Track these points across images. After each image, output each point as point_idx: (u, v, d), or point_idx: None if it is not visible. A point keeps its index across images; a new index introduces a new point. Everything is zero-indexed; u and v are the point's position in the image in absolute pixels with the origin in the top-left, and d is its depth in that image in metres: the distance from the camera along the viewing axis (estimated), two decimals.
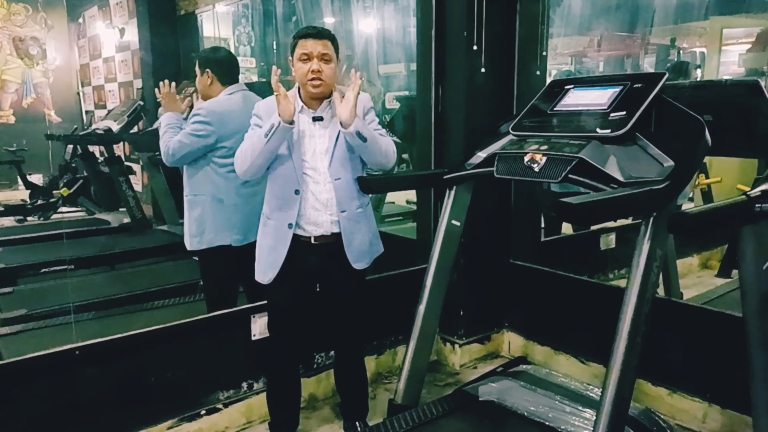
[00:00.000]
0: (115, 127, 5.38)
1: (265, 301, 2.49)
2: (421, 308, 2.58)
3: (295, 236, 2.26)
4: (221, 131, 2.65)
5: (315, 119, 2.23)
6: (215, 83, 2.77)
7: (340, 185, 2.24)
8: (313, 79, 2.15)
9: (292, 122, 2.13)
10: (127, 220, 5.78)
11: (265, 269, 2.31)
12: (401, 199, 5.66)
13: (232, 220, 2.70)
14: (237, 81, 2.84)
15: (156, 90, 2.84)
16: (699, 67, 5.51)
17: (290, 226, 2.24)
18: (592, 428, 1.94)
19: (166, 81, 2.83)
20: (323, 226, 2.26)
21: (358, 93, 2.15)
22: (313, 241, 2.27)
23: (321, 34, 2.17)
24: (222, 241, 2.71)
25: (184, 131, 2.67)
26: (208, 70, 2.77)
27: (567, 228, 4.15)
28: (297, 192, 2.22)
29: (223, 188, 2.70)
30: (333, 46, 2.19)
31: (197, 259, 2.88)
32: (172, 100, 2.82)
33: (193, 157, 2.69)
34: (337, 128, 2.22)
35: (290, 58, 2.22)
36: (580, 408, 2.48)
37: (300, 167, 2.21)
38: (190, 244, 2.77)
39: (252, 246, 2.42)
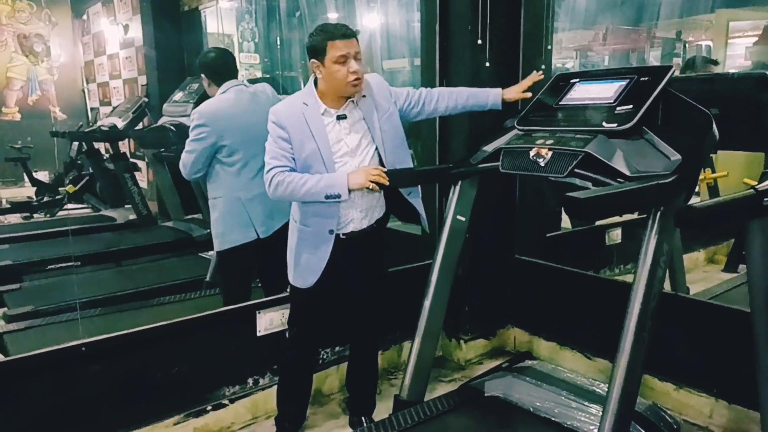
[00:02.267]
0: (120, 123, 5.39)
1: (272, 297, 2.50)
2: (427, 304, 2.58)
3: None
4: (218, 129, 2.65)
5: (339, 117, 2.20)
6: (212, 86, 2.82)
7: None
8: (356, 80, 2.12)
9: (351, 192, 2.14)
10: (132, 216, 5.79)
11: (305, 275, 2.29)
12: None
13: (255, 212, 2.71)
14: (233, 77, 2.83)
15: None
16: (716, 63, 5.27)
17: (331, 232, 2.23)
18: (598, 424, 1.94)
19: None
20: (353, 223, 2.26)
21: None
22: (341, 236, 2.26)
23: (353, 33, 2.14)
24: (247, 237, 2.72)
25: (188, 140, 2.70)
26: (203, 75, 2.83)
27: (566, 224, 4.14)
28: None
29: (237, 185, 2.70)
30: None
31: (215, 257, 2.91)
32: None
33: (205, 163, 2.71)
34: (376, 123, 2.22)
35: (314, 60, 2.13)
36: (586, 403, 2.47)
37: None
38: (215, 245, 2.82)
39: (273, 239, 2.42)
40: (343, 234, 2.26)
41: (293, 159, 2.16)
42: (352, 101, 2.22)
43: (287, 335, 2.49)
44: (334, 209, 2.20)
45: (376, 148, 2.24)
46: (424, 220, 2.44)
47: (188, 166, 2.72)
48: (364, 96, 2.24)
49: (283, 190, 2.13)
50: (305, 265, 2.28)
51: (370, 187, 2.12)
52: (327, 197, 2.11)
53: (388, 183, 2.15)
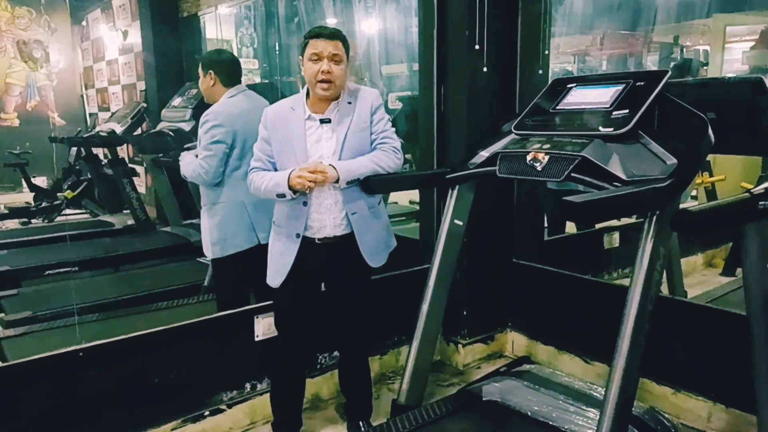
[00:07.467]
0: (119, 129, 5.40)
1: (269, 302, 2.50)
2: (425, 308, 2.58)
3: (302, 238, 2.26)
4: (233, 131, 2.65)
5: (323, 121, 2.22)
6: (218, 85, 2.79)
7: (349, 188, 2.22)
8: (322, 81, 2.13)
9: (297, 192, 2.15)
10: (130, 221, 5.79)
11: (275, 274, 2.33)
12: (404, 199, 5.66)
13: (257, 217, 2.70)
14: (239, 82, 2.86)
15: None
16: (705, 65, 5.40)
17: (297, 235, 2.25)
18: (596, 428, 1.94)
19: None
20: (326, 229, 2.25)
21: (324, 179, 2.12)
22: (317, 241, 2.26)
23: (333, 34, 2.15)
24: (249, 243, 2.71)
25: (204, 145, 2.67)
26: (211, 71, 2.78)
27: (570, 227, 4.14)
28: (305, 204, 2.22)
29: (241, 191, 2.66)
30: (344, 47, 2.18)
31: (210, 263, 2.87)
32: None
33: (223, 164, 2.67)
34: (344, 130, 2.21)
35: (300, 57, 2.22)
36: (584, 407, 2.47)
37: None
38: (212, 252, 2.74)
39: (263, 247, 2.43)
40: (319, 239, 2.26)
41: (271, 161, 2.27)
42: (337, 104, 2.22)
43: (276, 338, 2.49)
44: (304, 213, 2.22)
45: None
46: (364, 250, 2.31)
47: (211, 171, 2.64)
48: (349, 103, 2.25)
49: (253, 189, 2.29)
50: (275, 265, 2.32)
51: (300, 188, 2.12)
52: (278, 196, 2.20)
53: (322, 179, 2.11)
